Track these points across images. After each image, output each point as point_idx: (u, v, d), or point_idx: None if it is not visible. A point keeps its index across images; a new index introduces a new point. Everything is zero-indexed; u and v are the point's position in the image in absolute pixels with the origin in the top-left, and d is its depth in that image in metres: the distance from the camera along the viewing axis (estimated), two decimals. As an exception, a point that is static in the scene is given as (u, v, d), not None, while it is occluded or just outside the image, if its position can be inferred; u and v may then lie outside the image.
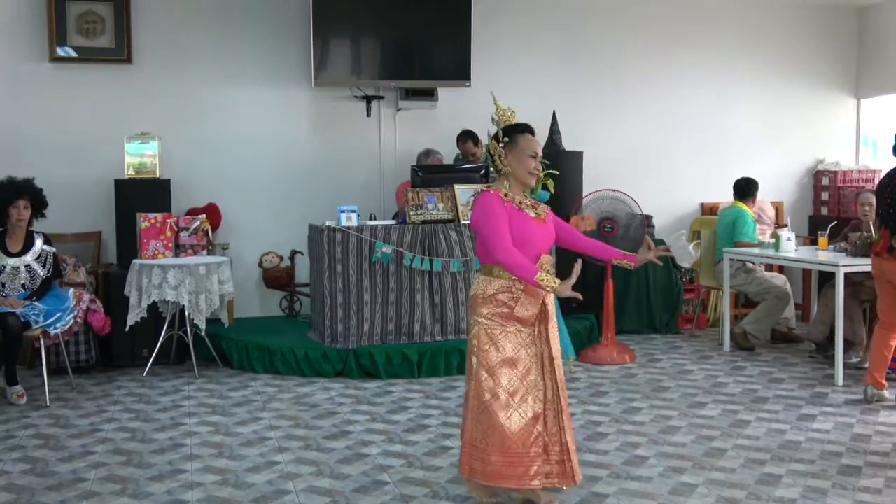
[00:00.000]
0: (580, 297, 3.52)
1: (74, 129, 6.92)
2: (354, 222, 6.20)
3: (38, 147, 6.81)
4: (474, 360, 3.60)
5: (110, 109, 6.97)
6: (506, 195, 3.60)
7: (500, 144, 3.67)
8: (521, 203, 3.61)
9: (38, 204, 5.69)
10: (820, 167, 8.82)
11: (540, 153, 3.68)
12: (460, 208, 6.36)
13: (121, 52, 6.96)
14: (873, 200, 6.58)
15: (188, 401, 5.52)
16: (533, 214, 3.61)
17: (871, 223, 6.41)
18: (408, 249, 6.17)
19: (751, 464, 4.22)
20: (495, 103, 3.81)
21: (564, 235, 3.81)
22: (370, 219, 6.66)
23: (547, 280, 3.42)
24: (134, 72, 7.05)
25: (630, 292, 7.55)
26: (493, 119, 3.79)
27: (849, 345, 6.21)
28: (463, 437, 3.70)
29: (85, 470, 4.22)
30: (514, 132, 3.68)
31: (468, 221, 6.31)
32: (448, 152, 7.49)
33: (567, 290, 3.44)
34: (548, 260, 3.63)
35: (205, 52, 7.21)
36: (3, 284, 5.55)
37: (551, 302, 3.66)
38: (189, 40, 7.17)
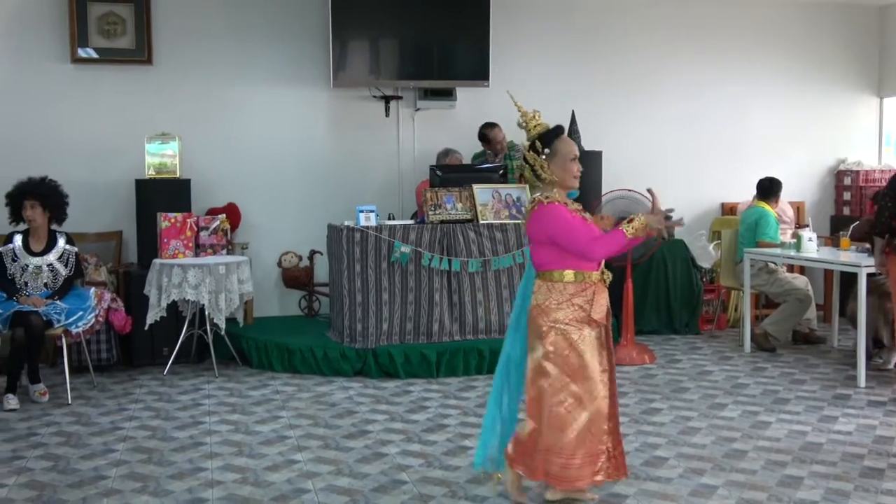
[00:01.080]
0: (680, 221, 3.61)
1: (95, 130, 6.97)
2: (373, 222, 6.20)
3: (59, 147, 6.86)
4: (549, 366, 3.58)
5: (131, 110, 7.02)
6: (565, 204, 3.67)
7: (542, 156, 3.66)
8: (577, 211, 3.69)
9: (50, 203, 5.68)
10: (842, 167, 8.74)
11: (578, 154, 3.70)
12: (479, 208, 6.35)
13: (141, 54, 7.01)
14: None
15: (208, 399, 5.55)
16: (589, 218, 3.72)
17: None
18: (426, 249, 6.18)
19: (772, 465, 4.19)
20: (516, 105, 3.82)
21: None
22: (389, 219, 6.67)
23: (634, 225, 3.50)
24: (154, 72, 7.09)
25: (649, 292, 7.51)
26: (519, 124, 3.80)
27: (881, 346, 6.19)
28: (518, 439, 3.70)
29: (106, 467, 4.25)
30: (551, 139, 3.69)
31: (488, 221, 6.32)
32: (467, 152, 7.48)
33: (655, 219, 3.53)
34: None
35: (224, 52, 7.25)
36: (26, 283, 5.60)
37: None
38: (209, 41, 7.21)
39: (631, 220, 3.55)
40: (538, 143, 3.67)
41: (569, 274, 3.61)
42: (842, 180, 8.70)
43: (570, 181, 3.68)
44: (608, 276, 3.66)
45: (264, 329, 6.72)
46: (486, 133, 7.31)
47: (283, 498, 3.83)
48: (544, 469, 3.59)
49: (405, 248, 6.12)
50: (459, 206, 6.38)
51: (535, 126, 3.75)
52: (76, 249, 5.85)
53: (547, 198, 3.66)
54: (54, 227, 5.79)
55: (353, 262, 6.11)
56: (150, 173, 6.62)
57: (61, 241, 5.76)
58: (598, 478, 3.61)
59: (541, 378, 3.62)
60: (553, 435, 3.57)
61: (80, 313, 5.58)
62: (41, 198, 5.66)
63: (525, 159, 3.74)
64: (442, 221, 6.29)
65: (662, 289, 7.57)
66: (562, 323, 3.59)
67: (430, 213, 6.31)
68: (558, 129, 3.73)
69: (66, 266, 5.73)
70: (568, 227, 3.57)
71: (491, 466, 3.82)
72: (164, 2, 7.09)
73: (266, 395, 5.65)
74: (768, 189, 7.14)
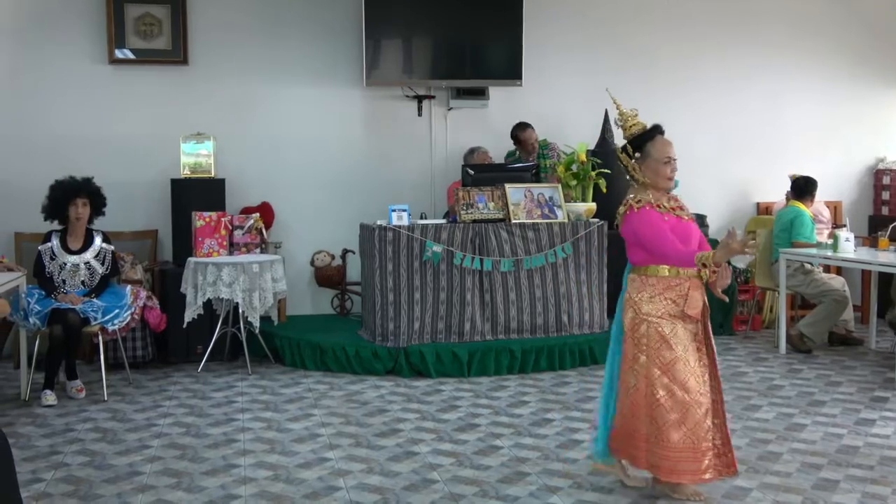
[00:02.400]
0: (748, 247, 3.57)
1: (132, 130, 7.06)
2: (405, 221, 6.22)
3: (97, 147, 6.96)
4: (643, 358, 3.68)
5: (167, 110, 7.09)
6: (659, 207, 3.72)
7: (633, 160, 3.73)
8: (672, 209, 3.73)
9: (97, 202, 5.82)
10: (881, 166, 8.61)
11: (673, 154, 3.72)
12: (511, 207, 6.34)
13: (177, 54, 7.09)
14: None
15: (241, 397, 5.59)
16: (686, 217, 3.75)
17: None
18: (458, 249, 6.17)
19: (807, 468, 4.14)
20: (615, 103, 3.86)
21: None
22: (421, 218, 6.68)
23: (706, 257, 3.56)
24: (190, 73, 7.16)
25: (683, 293, 7.44)
26: (616, 122, 3.86)
27: None
28: (616, 430, 3.81)
29: (141, 463, 4.30)
30: (643, 142, 3.74)
31: (520, 221, 6.31)
32: (499, 151, 7.47)
33: (723, 255, 3.54)
34: (706, 258, 3.67)
35: (259, 52, 7.30)
36: (64, 281, 5.69)
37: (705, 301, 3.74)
38: (243, 41, 7.27)
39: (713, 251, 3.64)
40: (629, 147, 3.76)
41: (664, 269, 3.70)
42: (880, 179, 8.56)
43: (662, 183, 3.75)
44: (706, 274, 3.63)
45: (297, 327, 6.76)
46: (518, 134, 7.31)
47: (314, 495, 3.86)
48: (647, 459, 3.69)
49: (437, 248, 6.12)
50: (491, 205, 6.37)
51: (631, 126, 3.81)
52: (113, 248, 5.92)
53: (639, 201, 3.74)
54: (90, 225, 5.87)
55: (385, 262, 6.12)
56: (185, 173, 6.69)
57: (98, 240, 5.84)
58: (707, 476, 3.64)
59: (633, 369, 3.71)
60: (650, 426, 3.66)
61: (117, 311, 5.66)
62: (91, 196, 5.76)
63: (619, 159, 3.82)
64: (474, 221, 6.28)
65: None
66: (654, 316, 3.67)
67: (463, 212, 6.30)
68: (652, 131, 3.76)
69: (102, 264, 5.80)
70: (654, 234, 3.65)
71: (601, 458, 3.92)
72: (200, 3, 7.16)
73: (298, 392, 5.69)
74: (803, 188, 7.04)
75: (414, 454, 4.41)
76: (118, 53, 6.99)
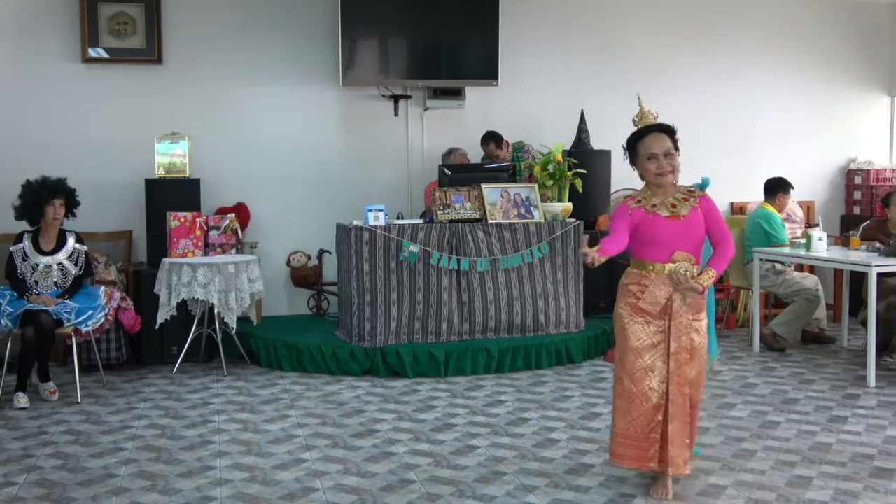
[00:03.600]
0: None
1: (106, 130, 6.99)
2: (382, 221, 6.21)
3: (70, 147, 6.89)
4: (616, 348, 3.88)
5: (141, 110, 7.04)
6: (639, 201, 3.78)
7: (626, 158, 3.85)
8: (654, 206, 3.76)
9: (72, 203, 5.78)
10: (852, 166, 8.71)
11: (660, 150, 3.76)
12: (488, 207, 6.35)
13: (151, 53, 7.03)
14: None
15: (217, 398, 5.56)
16: (666, 214, 3.74)
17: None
18: (435, 249, 6.18)
19: (781, 466, 4.18)
20: (640, 104, 3.91)
21: (707, 228, 3.83)
22: (397, 218, 6.67)
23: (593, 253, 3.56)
24: (164, 72, 7.11)
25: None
26: (633, 122, 3.92)
27: None
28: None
29: (115, 466, 4.26)
30: (633, 141, 3.83)
31: (496, 221, 6.33)
32: (476, 151, 7.48)
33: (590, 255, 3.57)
34: (684, 256, 3.71)
35: (234, 52, 7.26)
36: (37, 282, 5.62)
37: (681, 299, 3.73)
38: (219, 41, 7.22)
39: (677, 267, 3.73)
40: (623, 148, 3.87)
41: (634, 261, 3.81)
42: (852, 179, 8.66)
43: (651, 179, 3.80)
44: (686, 268, 3.68)
45: (273, 328, 6.73)
46: (482, 146, 7.35)
47: (291, 497, 3.84)
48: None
49: (414, 248, 6.12)
50: (468, 205, 6.38)
51: (643, 124, 3.88)
52: (86, 248, 5.87)
53: (626, 197, 3.86)
54: (63, 226, 5.81)
55: (361, 262, 6.11)
56: (159, 173, 6.64)
57: (71, 241, 5.79)
58: (652, 465, 3.76)
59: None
60: (614, 410, 3.87)
61: (90, 312, 5.61)
62: (66, 196, 5.71)
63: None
64: (451, 221, 6.29)
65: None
66: (620, 307, 3.81)
67: (439, 212, 6.31)
68: (644, 130, 3.82)
69: (75, 265, 5.75)
70: (612, 226, 3.81)
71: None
72: (174, 2, 7.10)
73: (274, 394, 5.67)
74: (769, 189, 7.13)
75: (391, 454, 4.41)
76: (91, 52, 6.92)
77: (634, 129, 3.89)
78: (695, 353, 3.76)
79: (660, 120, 3.93)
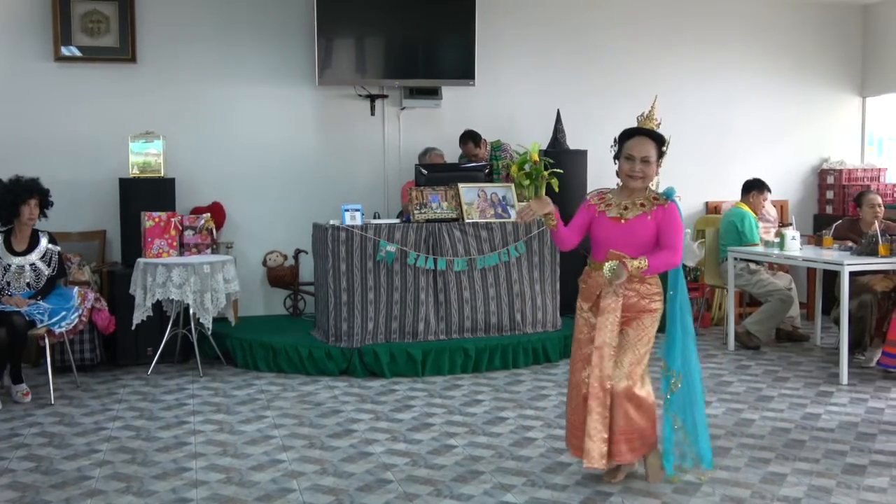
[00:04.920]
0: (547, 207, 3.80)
1: (79, 129, 6.93)
2: (358, 221, 6.20)
3: (42, 146, 6.82)
4: None
5: (115, 108, 6.98)
6: (601, 199, 3.90)
7: (613, 148, 3.91)
8: (609, 205, 3.86)
9: (45, 203, 5.72)
10: (825, 166, 8.80)
11: (639, 154, 3.80)
12: (464, 207, 6.36)
13: (125, 52, 6.97)
14: (880, 200, 6.60)
15: (192, 399, 5.52)
16: (613, 215, 3.83)
17: (877, 223, 6.40)
18: (412, 248, 6.17)
19: (755, 462, 4.22)
20: (652, 106, 3.95)
21: (659, 236, 3.85)
22: (374, 217, 6.66)
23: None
24: (138, 71, 7.05)
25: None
26: (637, 119, 3.97)
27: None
28: None
29: (89, 468, 4.22)
30: (621, 138, 3.89)
31: (473, 220, 6.34)
32: (453, 151, 7.49)
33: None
34: (616, 255, 3.75)
35: (209, 51, 7.22)
36: (9, 283, 5.56)
37: (612, 295, 3.80)
38: (193, 40, 7.18)
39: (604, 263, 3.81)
40: (614, 140, 3.93)
41: (589, 258, 3.97)
42: (825, 179, 8.76)
43: (623, 178, 3.89)
44: (607, 266, 3.74)
45: (249, 328, 6.70)
46: (460, 145, 7.37)
47: (267, 497, 3.83)
48: None
49: (391, 248, 6.11)
50: (445, 204, 6.39)
51: (640, 124, 3.93)
52: (59, 249, 5.81)
53: (594, 194, 3.99)
54: (36, 226, 5.75)
55: (338, 262, 6.10)
56: (133, 172, 6.59)
57: (44, 241, 5.73)
58: (587, 461, 3.78)
59: None
60: None
61: (64, 313, 5.55)
62: (41, 196, 5.64)
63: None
64: (427, 220, 6.29)
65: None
66: (579, 299, 3.98)
67: (416, 212, 6.30)
68: (635, 130, 3.87)
69: (48, 266, 5.69)
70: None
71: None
72: (149, 0, 7.05)
73: (251, 394, 5.64)
74: (745, 189, 7.21)
75: (368, 454, 4.40)
76: (64, 51, 6.85)
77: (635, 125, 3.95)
78: (623, 350, 3.80)
79: (635, 122, 3.96)
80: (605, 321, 3.81)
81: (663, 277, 3.89)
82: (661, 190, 3.95)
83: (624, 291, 3.80)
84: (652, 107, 3.95)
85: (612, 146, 3.93)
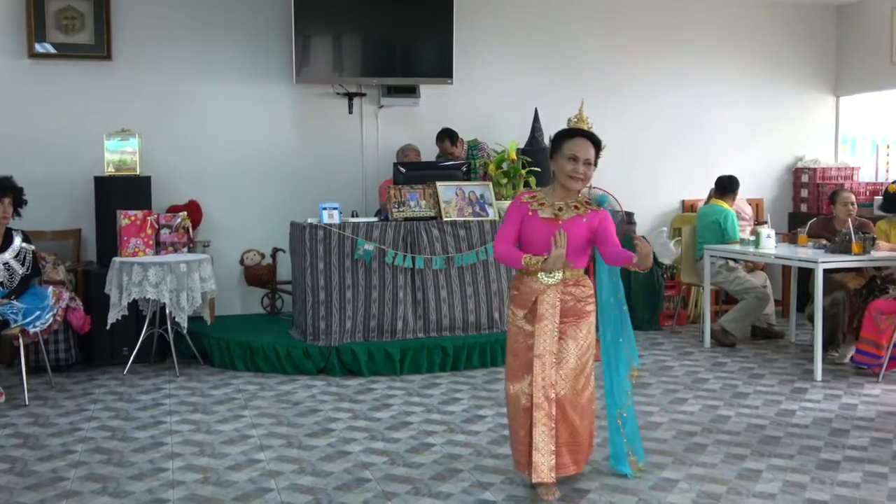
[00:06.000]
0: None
1: (53, 126, 6.86)
2: (336, 219, 6.19)
3: (16, 144, 6.75)
4: None
5: (90, 106, 6.92)
6: (533, 198, 3.80)
7: (549, 149, 3.86)
8: (542, 205, 3.77)
9: (19, 202, 5.64)
10: (799, 164, 8.89)
11: (583, 156, 3.73)
12: (443, 205, 6.36)
13: (100, 49, 6.91)
14: (854, 199, 6.68)
15: (169, 399, 5.49)
16: (547, 215, 3.75)
17: (850, 221, 6.47)
18: (390, 247, 6.17)
19: (731, 459, 4.25)
20: (580, 110, 3.94)
21: (598, 242, 3.83)
22: (352, 216, 6.65)
23: (530, 260, 3.68)
24: (114, 68, 6.99)
25: (611, 289, 7.56)
26: (569, 121, 3.95)
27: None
28: None
29: (65, 469, 4.19)
30: (561, 137, 3.80)
31: (451, 218, 6.34)
32: (430, 149, 7.49)
33: (553, 263, 3.63)
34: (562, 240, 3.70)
35: (186, 48, 7.17)
36: (-18, 282, 5.51)
37: (549, 301, 3.73)
38: (170, 37, 7.13)
39: (544, 259, 3.68)
40: (550, 138, 3.87)
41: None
42: (799, 178, 8.84)
43: (564, 179, 3.78)
44: (531, 260, 3.69)
45: (226, 327, 6.66)
46: (437, 143, 7.37)
47: (245, 497, 3.81)
48: None
49: (369, 246, 6.11)
50: (423, 203, 6.39)
51: (571, 126, 3.90)
52: (33, 248, 5.75)
53: (525, 192, 3.90)
54: (10, 225, 5.69)
55: (316, 260, 6.08)
56: (109, 170, 6.53)
57: (18, 240, 5.67)
58: (527, 474, 3.71)
59: None
60: None
61: (38, 313, 5.49)
62: (15, 194, 5.58)
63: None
64: (406, 219, 6.29)
65: (624, 285, 7.60)
66: (511, 308, 3.87)
67: (394, 210, 6.30)
68: (575, 132, 3.81)
69: (22, 265, 5.63)
70: (504, 222, 3.85)
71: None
72: (124, -3, 7.01)
73: (228, 394, 5.61)
74: (727, 186, 7.22)
75: (346, 454, 4.39)
76: (38, 48, 6.78)
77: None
78: (564, 358, 3.71)
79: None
80: (544, 328, 3.70)
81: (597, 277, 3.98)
82: (590, 195, 3.90)
83: (560, 296, 3.73)
84: (580, 110, 3.94)
85: (546, 145, 3.92)
